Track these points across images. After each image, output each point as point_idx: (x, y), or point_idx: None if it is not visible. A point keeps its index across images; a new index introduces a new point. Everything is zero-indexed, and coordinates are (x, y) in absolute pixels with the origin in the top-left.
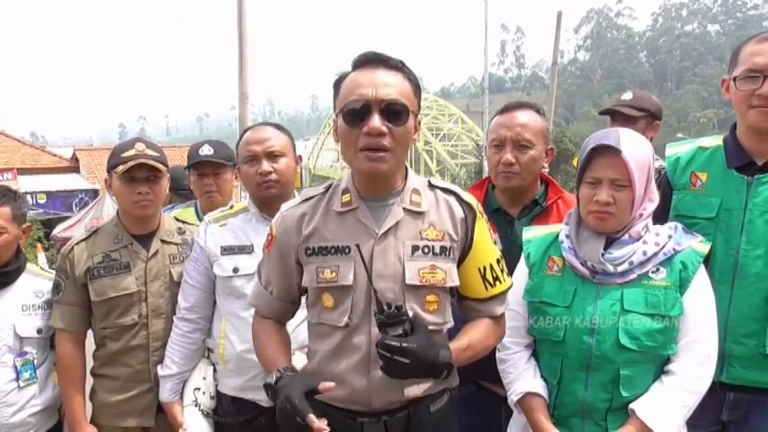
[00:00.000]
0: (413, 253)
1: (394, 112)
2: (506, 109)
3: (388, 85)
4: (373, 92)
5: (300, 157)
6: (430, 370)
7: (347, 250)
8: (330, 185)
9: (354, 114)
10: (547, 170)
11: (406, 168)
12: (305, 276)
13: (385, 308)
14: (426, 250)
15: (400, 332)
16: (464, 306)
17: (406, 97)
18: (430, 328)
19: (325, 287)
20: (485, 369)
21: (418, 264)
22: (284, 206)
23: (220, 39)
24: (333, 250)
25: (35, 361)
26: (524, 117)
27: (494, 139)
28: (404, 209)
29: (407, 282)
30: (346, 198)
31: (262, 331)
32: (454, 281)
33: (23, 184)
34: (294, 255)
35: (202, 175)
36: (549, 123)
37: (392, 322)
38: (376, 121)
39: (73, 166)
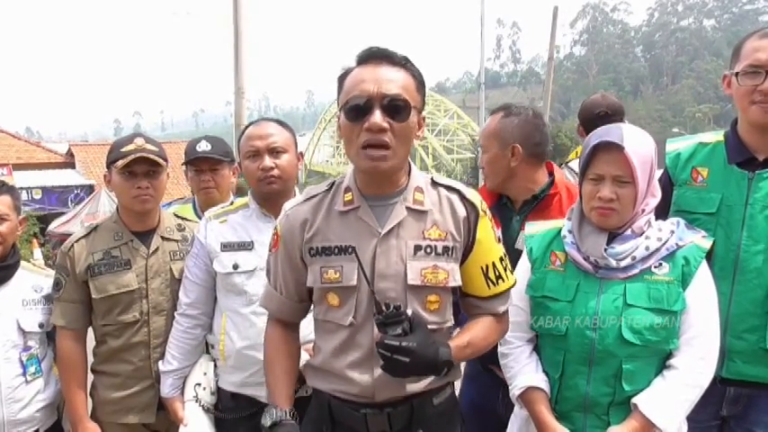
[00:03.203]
0: (415, 253)
1: (396, 108)
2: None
3: (390, 81)
4: (375, 87)
5: (302, 154)
6: (430, 368)
7: (350, 250)
8: (333, 183)
9: (356, 110)
10: (514, 165)
11: (410, 165)
12: (309, 276)
13: (383, 308)
14: (429, 250)
15: (399, 332)
16: (466, 303)
17: (408, 93)
18: (430, 327)
19: (329, 287)
20: (494, 355)
21: (420, 264)
22: (287, 204)
23: (216, 34)
24: (336, 250)
25: (38, 355)
26: (489, 123)
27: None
28: (407, 207)
29: (409, 282)
30: (348, 197)
31: (273, 347)
32: (456, 281)
33: (19, 179)
34: (299, 254)
35: (200, 172)
36: (546, 118)
37: (391, 322)
38: (377, 116)
39: (68, 162)
